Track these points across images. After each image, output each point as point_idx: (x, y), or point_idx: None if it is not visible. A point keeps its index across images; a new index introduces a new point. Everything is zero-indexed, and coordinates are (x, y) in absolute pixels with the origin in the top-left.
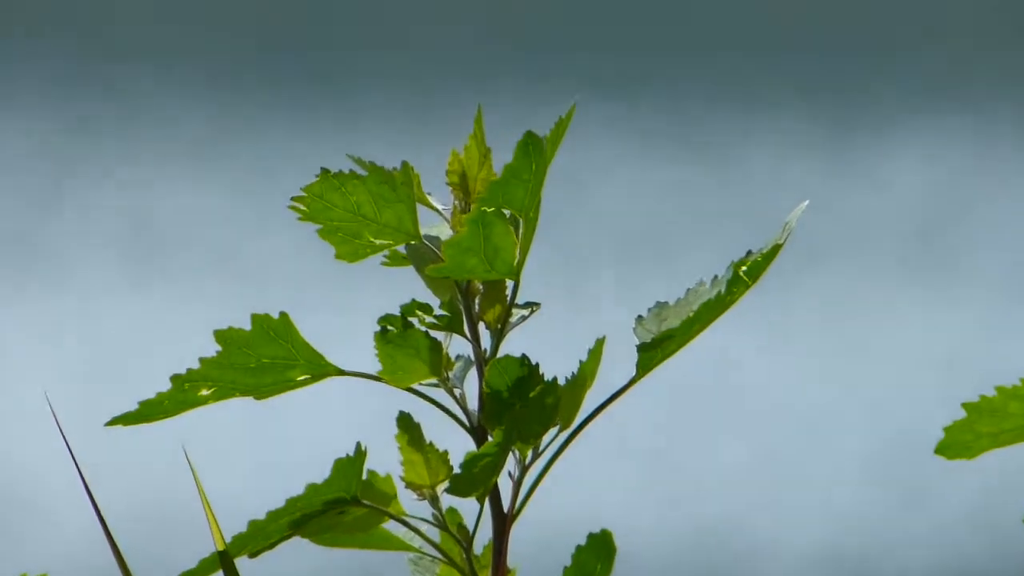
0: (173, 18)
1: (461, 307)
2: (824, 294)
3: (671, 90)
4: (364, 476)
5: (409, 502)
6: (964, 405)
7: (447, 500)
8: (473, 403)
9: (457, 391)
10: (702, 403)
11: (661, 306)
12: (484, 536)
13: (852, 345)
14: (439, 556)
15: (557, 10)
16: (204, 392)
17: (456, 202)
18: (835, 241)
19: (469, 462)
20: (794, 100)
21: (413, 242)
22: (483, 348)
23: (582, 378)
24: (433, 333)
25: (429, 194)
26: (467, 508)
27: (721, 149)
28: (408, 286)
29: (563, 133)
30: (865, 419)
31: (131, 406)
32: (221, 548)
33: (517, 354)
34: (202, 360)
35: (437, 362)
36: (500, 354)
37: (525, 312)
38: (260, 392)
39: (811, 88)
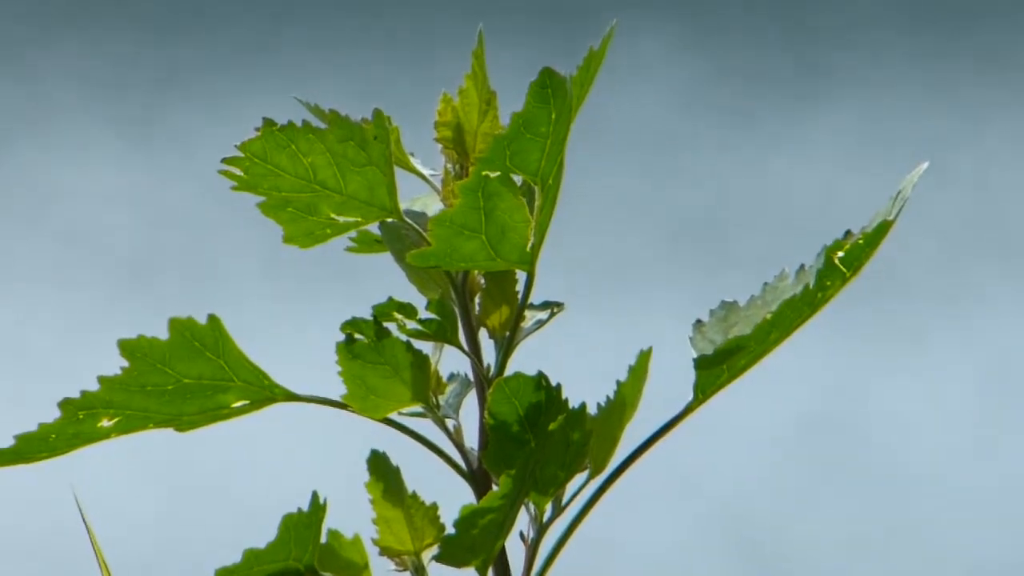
0: None
1: (455, 308)
2: (974, 307)
3: (740, 14)
4: (323, 539)
5: (385, 573)
6: None
7: (436, 571)
8: (472, 439)
9: (450, 423)
10: (796, 445)
11: (728, 307)
12: None
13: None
14: None
15: None
16: (105, 423)
17: (449, 165)
18: (984, 231)
19: (466, 519)
20: (915, 28)
21: (390, 219)
22: (485, 364)
23: (620, 405)
24: (417, 344)
25: (411, 154)
26: None
27: (812, 88)
28: (383, 279)
29: (595, 71)
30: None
31: (5, 441)
32: None
33: (531, 372)
34: (102, 380)
35: (423, 383)
36: (508, 372)
37: (542, 315)
38: (181, 423)
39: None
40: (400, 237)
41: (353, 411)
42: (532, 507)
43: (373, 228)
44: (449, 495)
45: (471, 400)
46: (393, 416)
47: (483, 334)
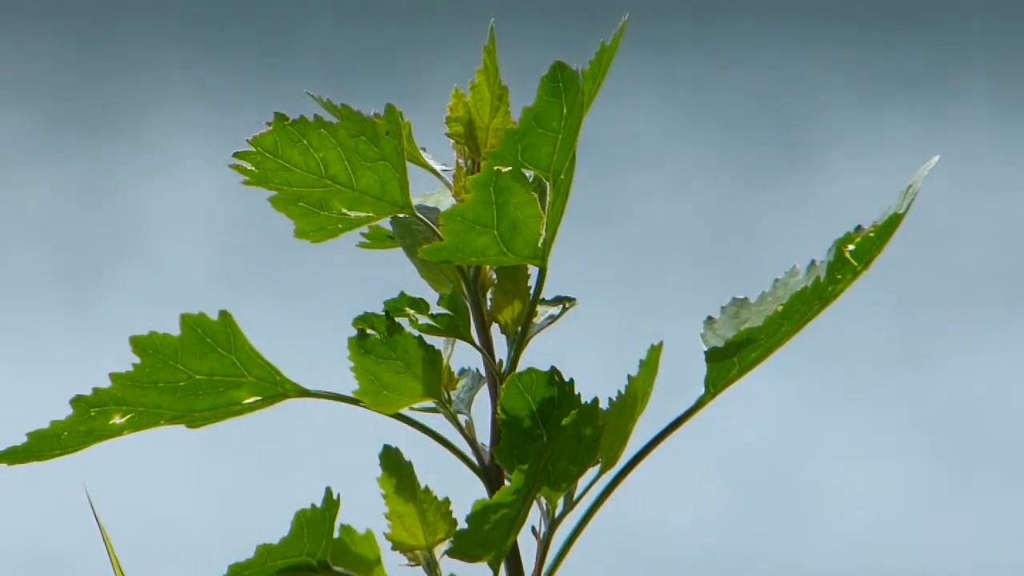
0: None
1: (467, 303)
2: None
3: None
4: (336, 534)
5: (397, 568)
6: None
7: (449, 565)
8: (484, 434)
9: (463, 418)
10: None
11: (739, 303)
12: None
13: None
14: None
15: None
16: (117, 420)
17: (460, 160)
18: None
19: (479, 514)
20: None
21: (402, 214)
22: (497, 359)
23: (632, 399)
24: (429, 339)
25: (423, 149)
26: None
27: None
28: (395, 274)
29: (607, 65)
30: None
31: (18, 438)
32: None
33: (544, 367)
34: (114, 377)
35: (435, 379)
36: (520, 367)
37: (554, 310)
38: (193, 419)
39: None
40: (412, 232)
41: (365, 406)
42: (544, 502)
43: (385, 224)
44: (461, 490)
45: (483, 395)
46: (405, 411)
47: (495, 329)
